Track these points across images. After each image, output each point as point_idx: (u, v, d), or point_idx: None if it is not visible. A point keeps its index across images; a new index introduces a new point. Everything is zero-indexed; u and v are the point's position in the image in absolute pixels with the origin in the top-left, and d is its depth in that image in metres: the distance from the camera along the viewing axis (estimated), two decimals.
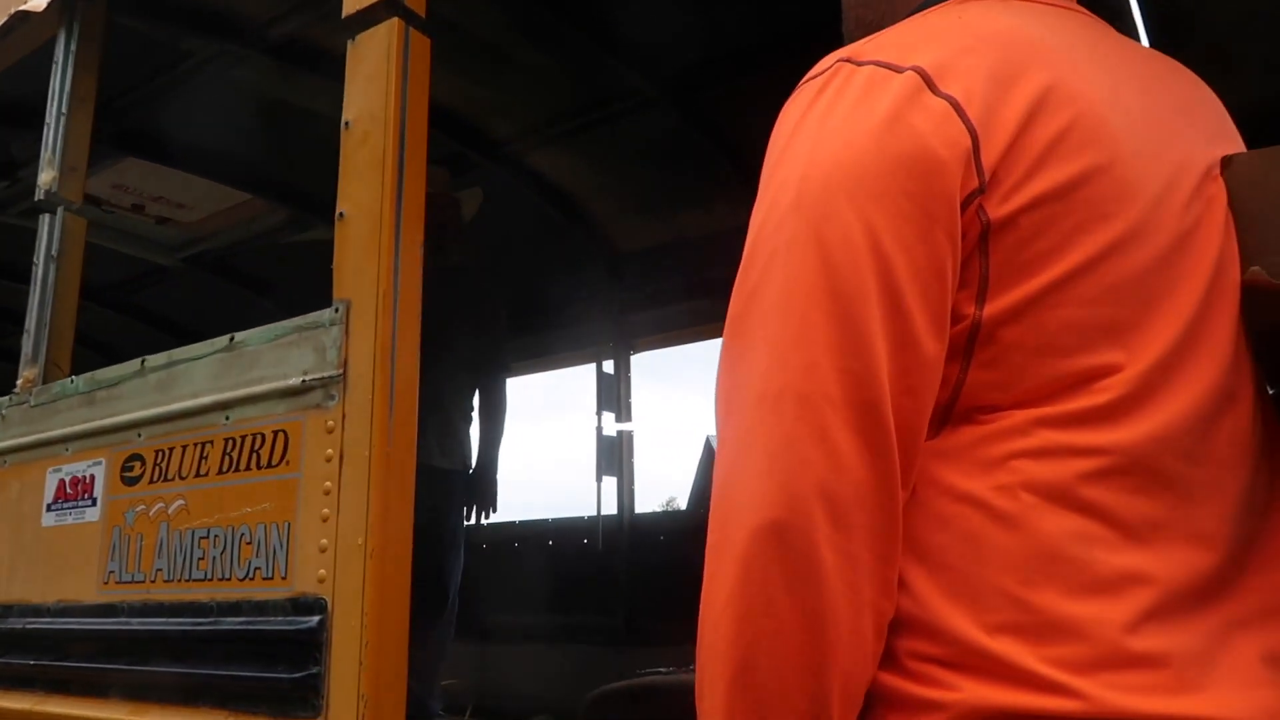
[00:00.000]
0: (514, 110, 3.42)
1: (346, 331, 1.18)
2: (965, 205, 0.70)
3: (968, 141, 0.70)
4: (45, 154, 1.78)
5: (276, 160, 3.64)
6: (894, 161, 0.70)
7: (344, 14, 1.30)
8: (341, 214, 1.25)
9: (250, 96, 3.17)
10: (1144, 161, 0.76)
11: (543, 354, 4.33)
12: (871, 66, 0.75)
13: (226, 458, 1.28)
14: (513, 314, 3.66)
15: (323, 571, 1.13)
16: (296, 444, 1.20)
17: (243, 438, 1.27)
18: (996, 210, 0.71)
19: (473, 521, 3.38)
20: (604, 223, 3.95)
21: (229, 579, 1.24)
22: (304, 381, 1.21)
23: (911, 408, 0.69)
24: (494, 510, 3.42)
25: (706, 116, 3.21)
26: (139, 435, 1.43)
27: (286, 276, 4.53)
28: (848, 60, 0.77)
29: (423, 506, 3.18)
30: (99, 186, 3.95)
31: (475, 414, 3.43)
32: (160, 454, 1.38)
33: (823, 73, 0.78)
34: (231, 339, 1.33)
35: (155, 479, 1.38)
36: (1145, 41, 2.17)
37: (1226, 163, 0.83)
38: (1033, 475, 0.69)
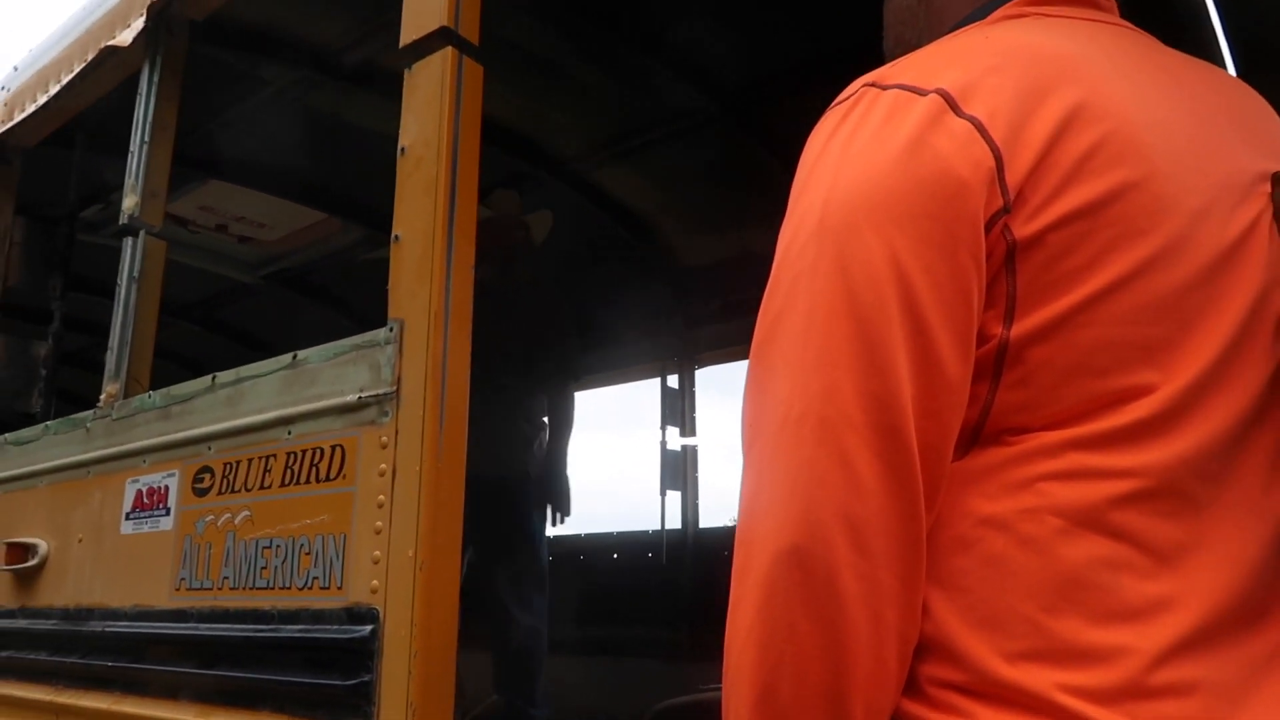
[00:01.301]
0: (578, 129, 3.47)
1: (400, 350, 1.22)
2: (990, 225, 0.70)
3: (991, 162, 0.70)
4: (129, 180, 1.88)
5: (351, 181, 3.76)
6: (917, 185, 0.70)
7: (401, 44, 1.35)
8: (397, 236, 1.29)
9: (325, 120, 3.28)
10: (1183, 177, 0.74)
11: (607, 368, 4.37)
12: (896, 90, 0.75)
13: (288, 471, 1.33)
14: (582, 328, 3.70)
15: (375, 582, 1.17)
16: (353, 459, 1.25)
17: (303, 452, 1.32)
18: (1022, 229, 0.70)
19: (551, 526, 3.46)
20: (668, 238, 3.97)
21: (289, 588, 1.29)
22: (360, 398, 1.25)
23: (935, 430, 0.69)
24: (567, 514, 3.47)
25: (769, 132, 3.21)
26: (209, 448, 1.50)
27: (362, 292, 4.66)
28: (873, 85, 0.78)
29: (495, 518, 3.24)
30: (186, 208, 4.12)
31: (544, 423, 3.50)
32: (228, 466, 1.44)
33: (849, 98, 0.79)
34: (294, 356, 1.39)
35: (223, 490, 1.45)
36: (1230, 66, 2.10)
37: (1276, 180, 0.81)
38: (1060, 499, 0.68)
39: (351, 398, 1.26)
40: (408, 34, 1.35)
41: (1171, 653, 0.65)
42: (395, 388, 1.22)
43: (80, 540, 1.75)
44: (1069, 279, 0.70)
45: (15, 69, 2.48)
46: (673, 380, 4.11)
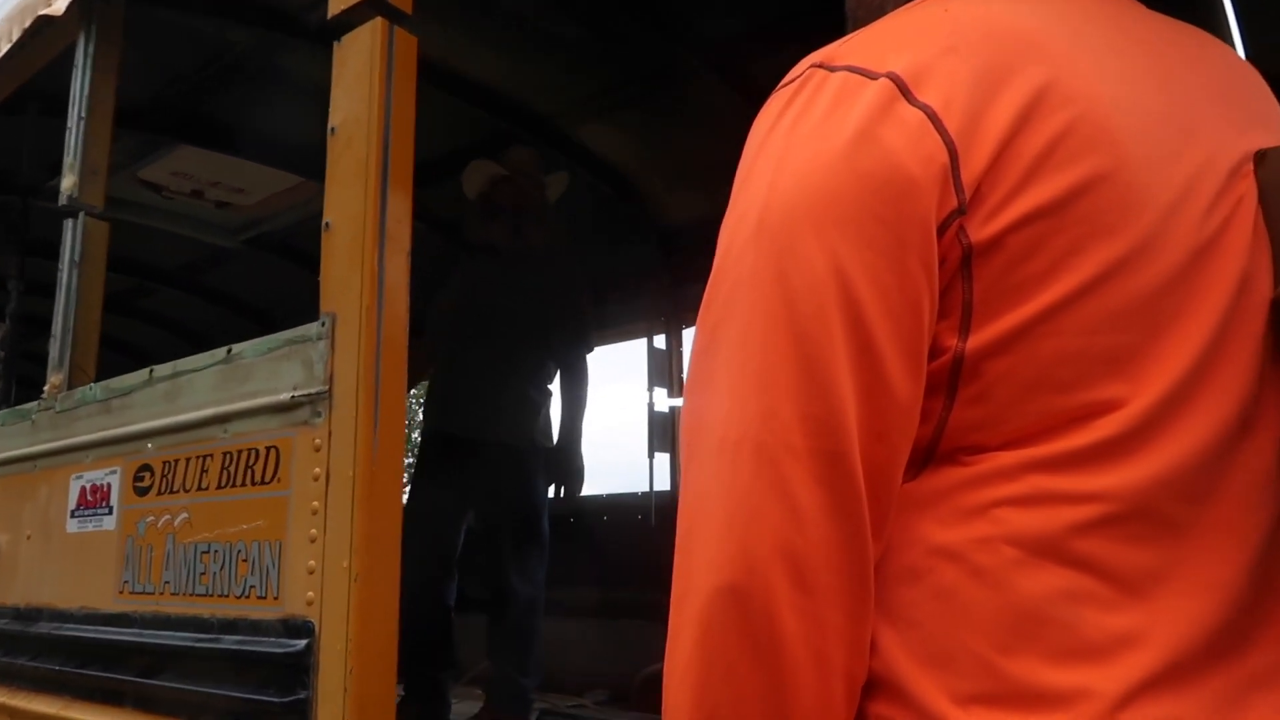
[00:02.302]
0: (558, 86, 3.37)
1: (332, 346, 1.15)
2: (943, 228, 0.63)
3: (944, 157, 0.63)
4: (67, 159, 1.79)
5: (325, 143, 3.65)
6: (863, 183, 0.63)
7: (329, 14, 1.26)
8: (327, 224, 1.22)
9: (294, 81, 3.18)
10: (1158, 164, 0.67)
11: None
12: (844, 73, 0.67)
13: (225, 472, 1.27)
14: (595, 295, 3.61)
15: (311, 594, 1.11)
16: (287, 461, 1.18)
17: (239, 452, 1.25)
18: (979, 232, 0.63)
19: (556, 496, 3.39)
20: (653, 196, 3.88)
21: (227, 596, 1.23)
22: (293, 397, 1.18)
23: (883, 455, 0.63)
24: (579, 487, 3.40)
25: (753, 87, 3.11)
26: (149, 445, 1.43)
27: None
28: (821, 65, 0.69)
29: (499, 486, 3.21)
30: (158, 174, 4.06)
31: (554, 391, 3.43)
32: (167, 465, 1.38)
33: (795, 79, 0.71)
34: (230, 350, 1.32)
35: (163, 490, 1.38)
36: (1238, 39, 1.98)
37: (1260, 158, 0.74)
38: (1017, 526, 0.63)
39: (285, 396, 1.20)
40: (335, 3, 1.26)
41: (1137, 692, 0.60)
42: (328, 387, 1.15)
43: (29, 537, 1.70)
44: (1030, 285, 0.64)
45: None
46: (660, 341, 4.04)
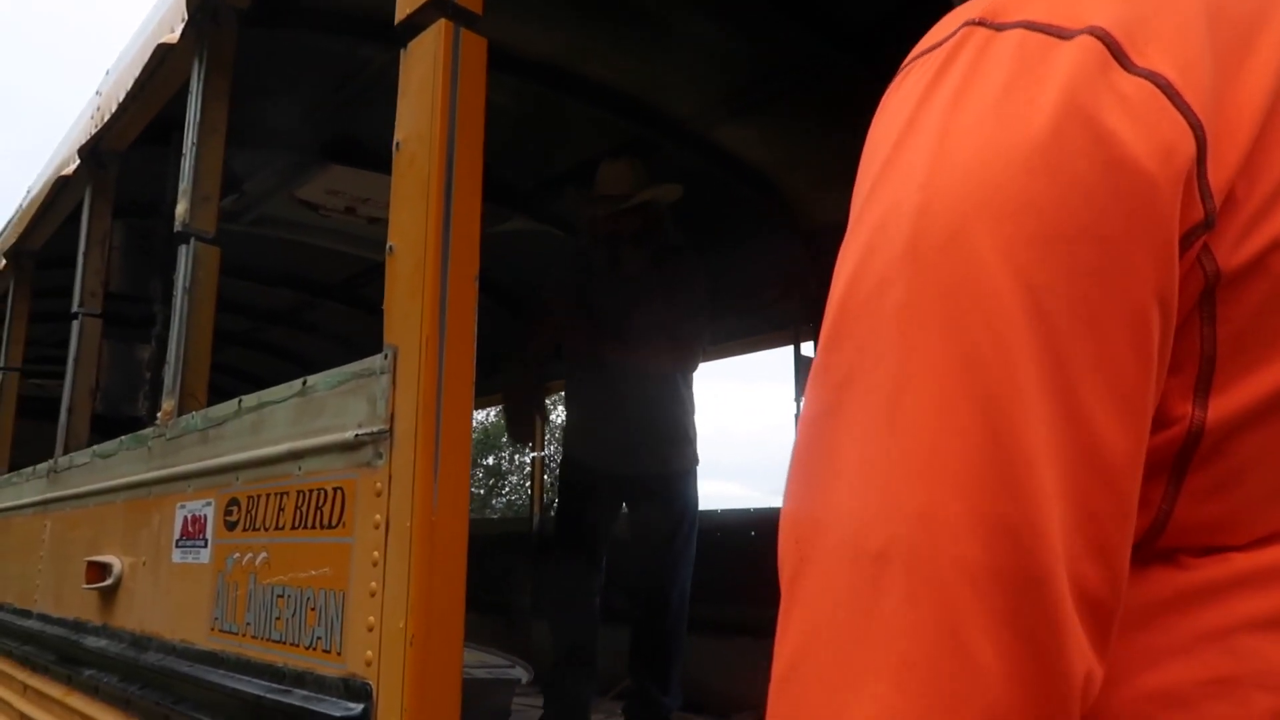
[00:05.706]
0: (692, 86, 3.23)
1: (394, 382, 1.06)
2: (1181, 249, 0.44)
3: (1190, 147, 0.44)
4: (180, 185, 1.80)
5: None
6: (1073, 186, 0.43)
7: (396, 20, 1.17)
8: (391, 248, 1.12)
9: None
10: None
11: (736, 336, 4.13)
12: (1020, 31, 0.47)
13: (298, 512, 1.21)
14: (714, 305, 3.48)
15: (369, 653, 1.02)
16: (351, 505, 1.10)
17: (311, 491, 1.18)
18: (1231, 254, 0.45)
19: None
20: (796, 196, 3.68)
21: (298, 645, 1.16)
22: (357, 436, 1.10)
23: (1102, 580, 0.42)
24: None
25: (895, 70, 2.87)
26: (237, 479, 1.39)
27: (493, 266, 4.64)
28: (981, 23, 0.48)
29: (645, 507, 3.17)
30: (313, 192, 4.21)
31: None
32: (251, 500, 1.33)
33: (944, 41, 0.49)
34: (304, 383, 1.25)
35: (247, 526, 1.34)
36: None
37: None
38: (1269, 660, 0.44)
39: (350, 434, 1.11)
40: (402, 7, 1.17)
41: None
42: (389, 426, 1.05)
43: (144, 563, 1.71)
44: None
45: (107, 73, 2.47)
46: (806, 347, 3.83)
